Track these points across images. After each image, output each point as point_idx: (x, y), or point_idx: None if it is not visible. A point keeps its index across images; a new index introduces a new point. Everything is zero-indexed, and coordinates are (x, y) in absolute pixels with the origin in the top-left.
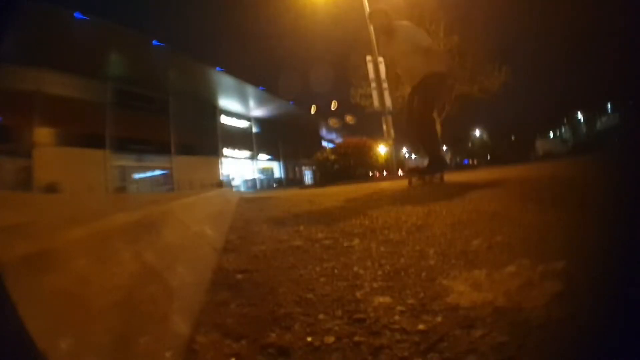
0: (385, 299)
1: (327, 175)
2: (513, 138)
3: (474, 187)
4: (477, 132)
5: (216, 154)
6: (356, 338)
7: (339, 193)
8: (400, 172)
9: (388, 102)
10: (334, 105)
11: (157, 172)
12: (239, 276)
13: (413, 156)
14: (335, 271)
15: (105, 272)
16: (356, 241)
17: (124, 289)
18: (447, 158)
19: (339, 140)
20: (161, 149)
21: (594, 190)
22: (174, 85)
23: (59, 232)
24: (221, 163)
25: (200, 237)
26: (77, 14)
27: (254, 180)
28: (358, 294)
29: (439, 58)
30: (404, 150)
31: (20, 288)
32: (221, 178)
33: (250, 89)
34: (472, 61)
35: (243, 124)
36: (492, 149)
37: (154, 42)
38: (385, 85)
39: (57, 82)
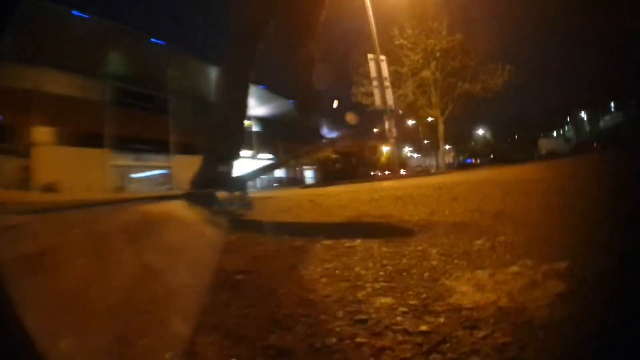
0: (387, 300)
1: (328, 174)
2: (516, 137)
3: None
4: (480, 131)
5: None
6: (358, 339)
7: (339, 193)
8: (402, 172)
9: (390, 100)
10: (335, 104)
11: (157, 172)
12: (239, 277)
13: (416, 155)
14: (337, 272)
15: None
16: (358, 241)
17: None
18: (451, 157)
19: None
20: (160, 148)
21: (599, 192)
22: (173, 84)
23: None
24: None
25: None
26: (75, 12)
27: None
28: (359, 295)
29: None
30: (406, 149)
31: None
32: None
33: (250, 88)
34: (475, 60)
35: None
36: (495, 148)
37: (153, 39)
38: (387, 83)
39: (56, 81)
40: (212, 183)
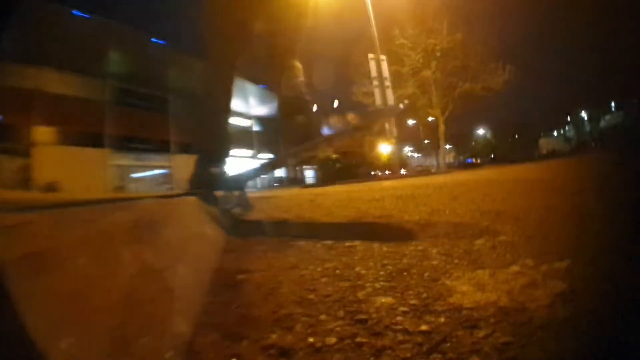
0: (387, 299)
1: (328, 174)
2: (516, 137)
3: None
4: (481, 131)
5: None
6: (358, 339)
7: (339, 193)
8: (403, 171)
9: (390, 100)
10: (335, 104)
11: (157, 172)
12: (240, 276)
13: (416, 155)
14: (337, 271)
15: None
16: (358, 241)
17: None
18: (451, 157)
19: None
20: (161, 148)
21: (600, 191)
22: (173, 84)
23: None
24: None
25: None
26: (76, 12)
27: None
28: (360, 295)
29: None
30: (407, 149)
31: None
32: None
33: (251, 87)
34: (476, 59)
35: (244, 122)
36: (496, 148)
37: (153, 39)
38: (387, 83)
39: (56, 81)
40: (208, 183)
